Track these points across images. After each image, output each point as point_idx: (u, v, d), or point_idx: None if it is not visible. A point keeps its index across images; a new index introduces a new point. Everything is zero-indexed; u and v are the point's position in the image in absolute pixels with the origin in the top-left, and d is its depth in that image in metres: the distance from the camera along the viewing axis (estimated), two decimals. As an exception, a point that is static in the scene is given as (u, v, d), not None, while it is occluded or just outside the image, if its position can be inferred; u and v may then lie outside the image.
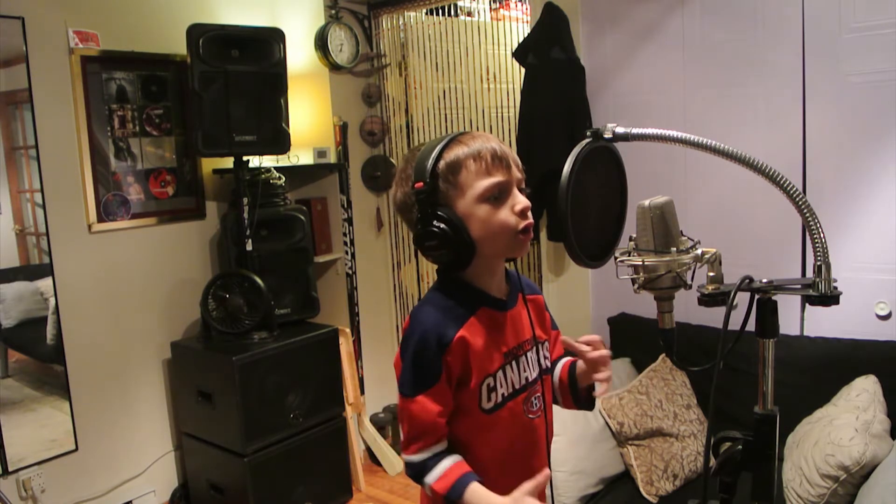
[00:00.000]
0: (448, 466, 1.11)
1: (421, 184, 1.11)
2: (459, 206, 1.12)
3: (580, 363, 1.25)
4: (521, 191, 1.15)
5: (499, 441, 1.16)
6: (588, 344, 1.20)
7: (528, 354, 1.21)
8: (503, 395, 1.16)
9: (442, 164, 1.12)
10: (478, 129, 3.71)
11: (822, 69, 2.25)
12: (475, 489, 1.08)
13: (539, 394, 1.22)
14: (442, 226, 1.10)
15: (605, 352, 1.20)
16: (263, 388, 2.72)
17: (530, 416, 1.19)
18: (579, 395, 1.28)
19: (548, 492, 1.26)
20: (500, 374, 1.15)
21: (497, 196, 1.12)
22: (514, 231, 1.12)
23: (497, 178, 1.12)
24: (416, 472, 1.13)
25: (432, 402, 1.11)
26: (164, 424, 3.02)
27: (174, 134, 2.99)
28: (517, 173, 1.15)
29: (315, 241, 3.27)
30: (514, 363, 1.18)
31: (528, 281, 1.32)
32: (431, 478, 1.11)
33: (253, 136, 2.78)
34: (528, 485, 1.04)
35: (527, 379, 1.19)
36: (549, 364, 1.27)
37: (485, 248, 1.13)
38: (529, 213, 1.13)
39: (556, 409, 1.30)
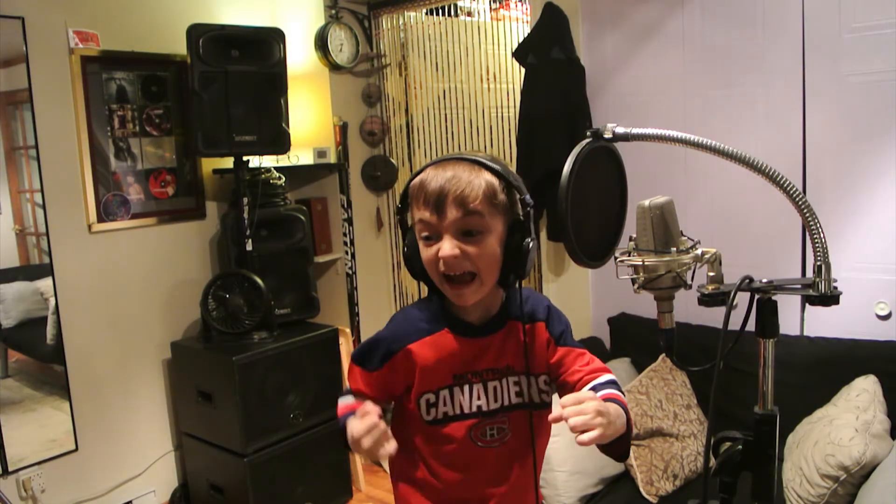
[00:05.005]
0: (355, 400, 1.18)
1: (399, 204, 1.17)
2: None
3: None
4: (468, 235, 1.07)
5: (449, 457, 1.17)
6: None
7: (491, 384, 1.16)
8: (445, 413, 1.15)
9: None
10: (477, 130, 3.74)
11: (822, 69, 2.24)
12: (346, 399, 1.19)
13: (503, 426, 1.16)
14: (404, 246, 1.16)
15: (569, 410, 0.95)
16: (263, 388, 2.72)
17: (480, 444, 1.16)
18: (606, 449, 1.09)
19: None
20: (443, 392, 1.15)
21: (422, 235, 1.11)
22: (438, 274, 1.11)
23: (421, 216, 1.09)
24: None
25: (361, 379, 1.20)
26: (164, 424, 3.02)
27: (174, 134, 2.99)
28: (454, 213, 1.05)
29: (315, 241, 3.27)
30: (466, 387, 1.15)
31: (536, 304, 1.20)
32: (343, 400, 1.20)
33: (253, 136, 2.79)
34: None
35: (479, 408, 1.15)
36: (543, 398, 1.18)
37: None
38: (452, 264, 1.06)
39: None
